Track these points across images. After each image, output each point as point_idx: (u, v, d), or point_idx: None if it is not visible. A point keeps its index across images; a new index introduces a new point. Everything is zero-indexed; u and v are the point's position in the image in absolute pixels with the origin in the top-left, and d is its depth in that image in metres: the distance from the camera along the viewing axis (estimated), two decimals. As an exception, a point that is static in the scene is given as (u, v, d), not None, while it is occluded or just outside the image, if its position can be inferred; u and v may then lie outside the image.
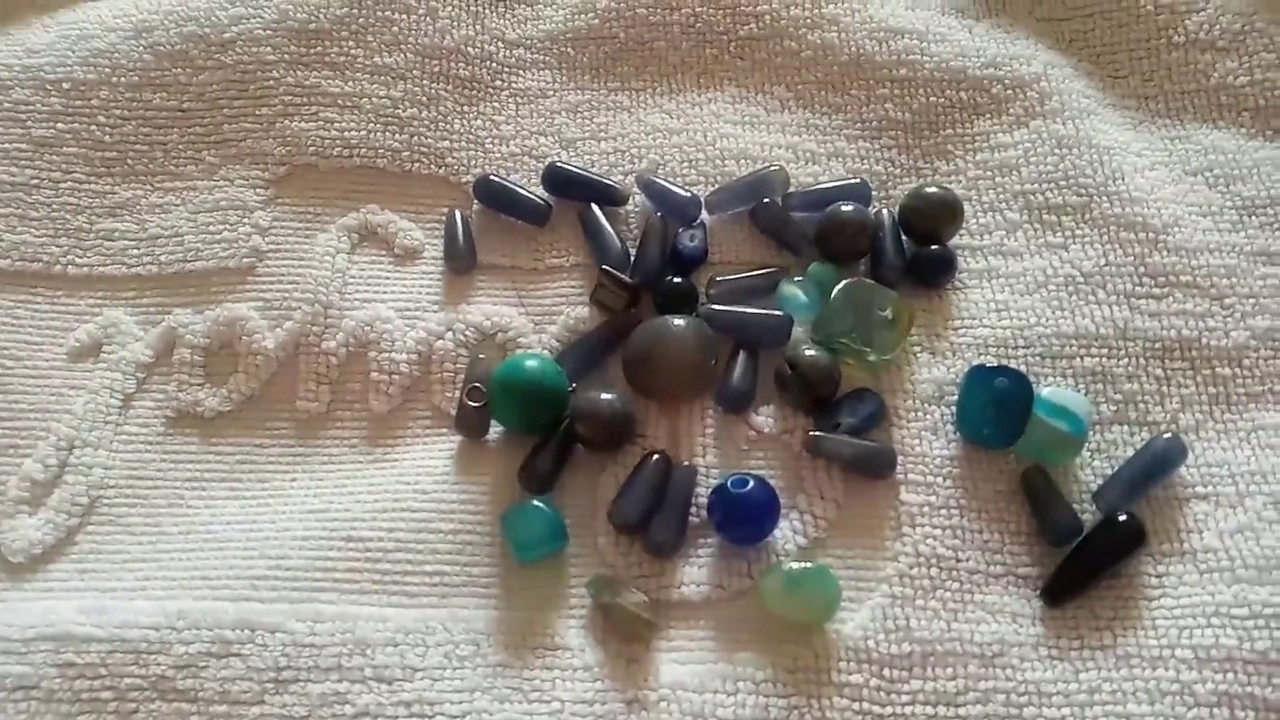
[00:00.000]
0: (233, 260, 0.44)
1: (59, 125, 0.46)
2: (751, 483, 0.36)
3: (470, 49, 0.48)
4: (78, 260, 0.44)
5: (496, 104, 0.47)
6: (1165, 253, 0.42)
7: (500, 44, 0.49)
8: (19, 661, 0.34)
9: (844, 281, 0.40)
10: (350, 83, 0.47)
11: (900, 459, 0.38)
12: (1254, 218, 0.43)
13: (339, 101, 0.46)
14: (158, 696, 0.34)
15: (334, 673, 0.35)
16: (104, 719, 0.34)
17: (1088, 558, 0.36)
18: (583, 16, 0.49)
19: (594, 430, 0.38)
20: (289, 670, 0.35)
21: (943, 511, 0.37)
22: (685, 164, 0.45)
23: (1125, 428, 0.39)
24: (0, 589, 0.37)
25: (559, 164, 0.45)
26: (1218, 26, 0.47)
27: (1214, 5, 0.47)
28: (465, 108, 0.47)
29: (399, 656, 0.35)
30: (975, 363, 0.39)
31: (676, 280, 0.41)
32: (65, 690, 0.34)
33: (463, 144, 0.46)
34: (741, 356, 0.40)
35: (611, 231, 0.43)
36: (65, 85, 0.47)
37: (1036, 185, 0.44)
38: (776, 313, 0.41)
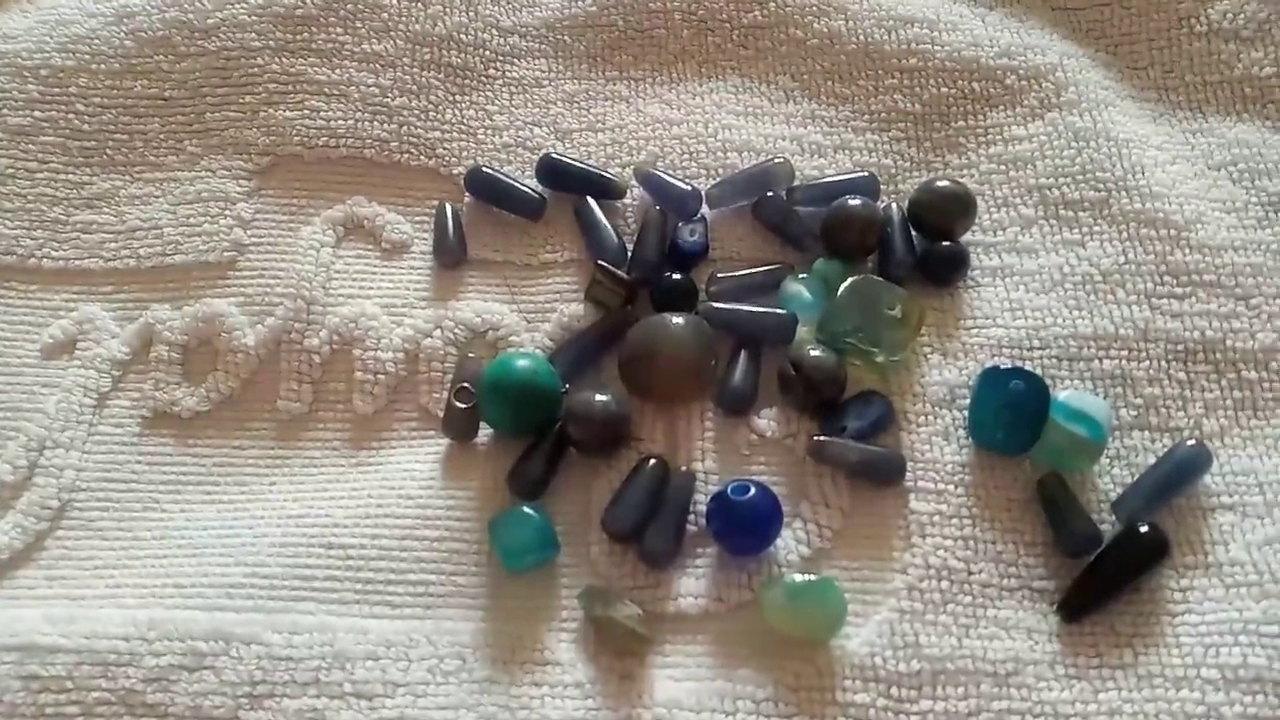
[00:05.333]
0: (213, 254, 0.42)
1: (36, 113, 0.45)
2: (752, 489, 0.35)
3: (463, 36, 0.47)
4: (53, 253, 0.43)
5: (490, 93, 0.46)
6: (1188, 250, 0.40)
7: (494, 31, 0.47)
8: (-19, 673, 0.33)
9: (850, 279, 0.39)
10: (337, 70, 0.45)
11: (909, 465, 0.36)
12: (1280, 214, 0.41)
13: (325, 90, 0.45)
14: (126, 711, 0.33)
15: (311, 687, 0.33)
16: (69, 734, 0.32)
17: (1107, 570, 0.34)
18: (580, 3, 0.48)
19: (587, 433, 0.37)
20: (264, 684, 0.33)
21: (954, 521, 0.36)
22: (685, 156, 0.44)
23: (1146, 433, 0.37)
24: (-36, 596, 0.36)
25: (554, 155, 0.43)
26: (1242, 15, 0.45)
27: (1238, -7, 0.46)
28: (457, 97, 0.46)
29: (380, 671, 0.33)
30: (988, 364, 0.38)
31: (675, 277, 0.40)
32: (29, 704, 0.33)
33: (454, 134, 0.45)
34: (743, 356, 0.38)
35: (608, 226, 0.42)
36: (43, 72, 0.46)
37: (1052, 179, 0.42)
38: (779, 311, 0.39)
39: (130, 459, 0.39)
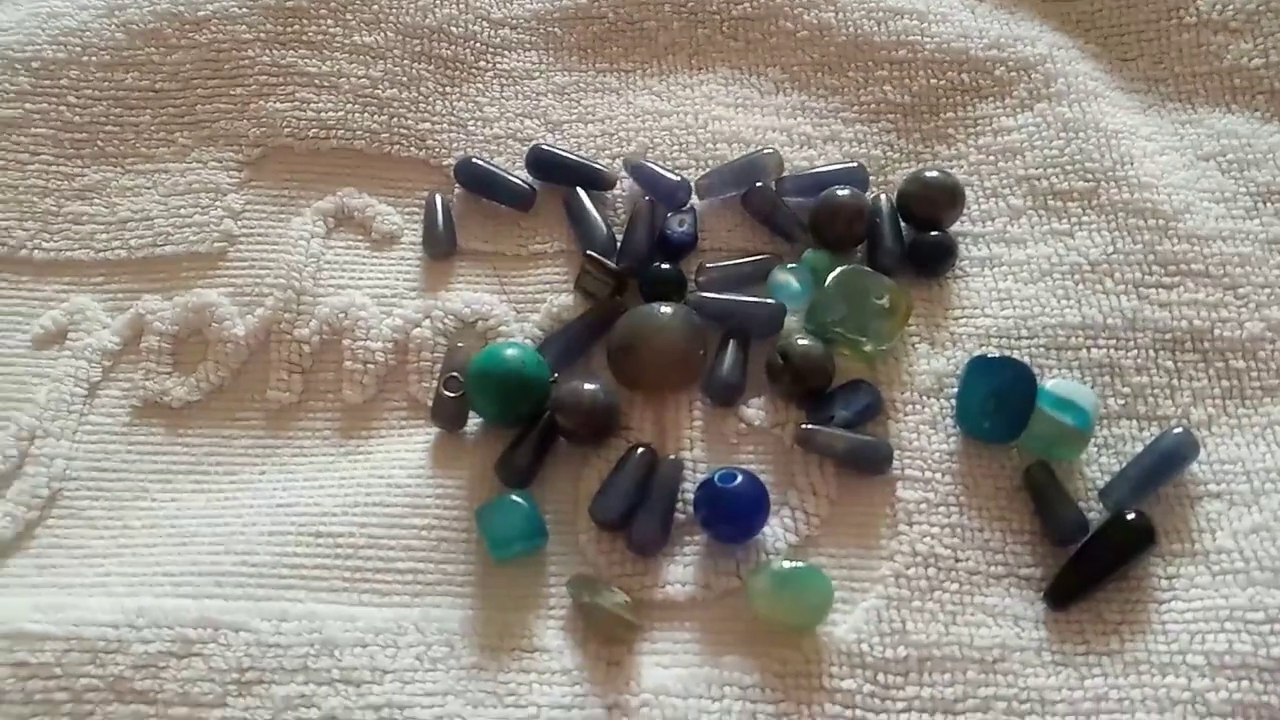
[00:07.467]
0: (204, 245, 0.42)
1: (27, 105, 0.45)
2: (740, 477, 0.35)
3: (453, 28, 0.47)
4: (44, 244, 0.43)
5: (480, 85, 0.46)
6: (1176, 240, 0.40)
7: (485, 23, 0.47)
8: (-31, 661, 0.33)
9: (839, 269, 0.39)
10: (328, 62, 0.46)
11: (897, 454, 0.36)
12: (1269, 204, 0.41)
13: (316, 81, 0.45)
14: (115, 698, 0.33)
15: (300, 674, 0.33)
16: (58, 721, 0.32)
17: (1094, 558, 0.34)
18: (571, -5, 0.48)
19: (576, 422, 0.37)
20: (252, 671, 0.33)
21: (941, 509, 0.36)
22: (675, 147, 0.44)
23: (1134, 422, 0.37)
24: (-46, 585, 0.36)
25: (544, 147, 0.43)
26: (1231, 6, 0.45)
27: (1227, -16, 0.46)
28: (447, 89, 0.46)
29: (368, 658, 0.33)
30: (976, 354, 0.38)
31: (664, 267, 0.40)
32: (18, 691, 0.33)
33: (444, 126, 0.45)
34: (731, 346, 0.38)
35: (597, 216, 0.42)
36: (34, 64, 0.46)
37: (1041, 170, 0.42)
38: (768, 301, 0.39)
39: (120, 448, 0.39)
